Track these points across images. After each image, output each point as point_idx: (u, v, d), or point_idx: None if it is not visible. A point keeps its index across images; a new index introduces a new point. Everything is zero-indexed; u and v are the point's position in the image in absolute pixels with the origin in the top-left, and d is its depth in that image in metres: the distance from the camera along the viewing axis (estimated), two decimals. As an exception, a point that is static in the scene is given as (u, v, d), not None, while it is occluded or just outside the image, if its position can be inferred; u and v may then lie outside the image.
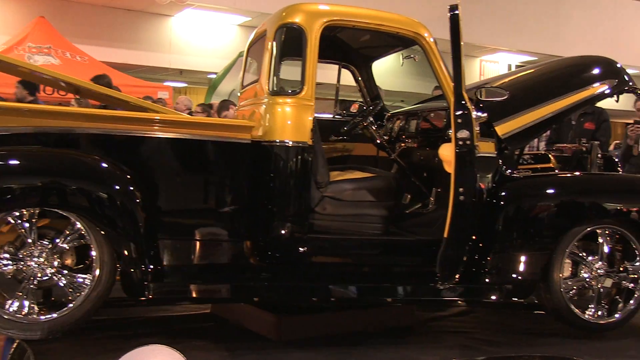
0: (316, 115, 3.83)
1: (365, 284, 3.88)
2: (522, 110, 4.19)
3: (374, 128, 4.34)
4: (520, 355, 3.83)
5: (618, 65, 4.56)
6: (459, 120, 3.71)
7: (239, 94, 4.43)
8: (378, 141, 4.35)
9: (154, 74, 13.42)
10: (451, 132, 3.78)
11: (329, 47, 4.72)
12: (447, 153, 3.79)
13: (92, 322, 3.99)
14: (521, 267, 3.96)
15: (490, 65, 14.89)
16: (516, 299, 3.99)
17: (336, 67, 5.03)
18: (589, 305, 4.09)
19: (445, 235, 3.76)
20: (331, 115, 5.06)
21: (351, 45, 4.82)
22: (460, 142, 3.71)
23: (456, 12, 3.70)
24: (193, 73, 13.76)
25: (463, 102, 3.74)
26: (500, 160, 4.08)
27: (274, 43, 3.87)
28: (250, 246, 3.78)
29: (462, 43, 3.70)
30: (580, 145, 4.87)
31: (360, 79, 5.01)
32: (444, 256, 3.78)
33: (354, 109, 5.11)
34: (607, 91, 4.42)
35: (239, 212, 3.78)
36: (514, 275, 3.95)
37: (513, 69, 14.88)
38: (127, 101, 4.41)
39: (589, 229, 4.07)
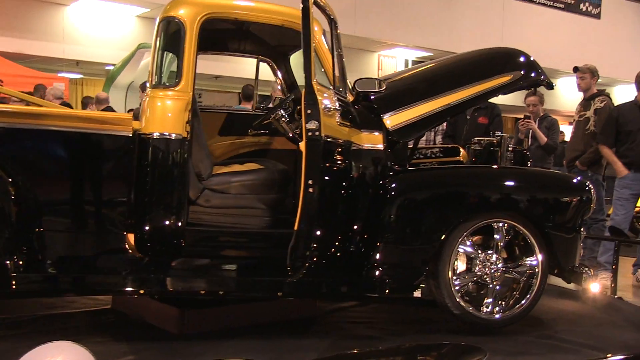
0: (235, 109, 3.85)
1: (237, 277, 3.84)
2: (415, 102, 4.18)
3: (284, 121, 4.26)
4: (422, 343, 3.89)
5: (530, 58, 4.47)
6: (309, 111, 3.57)
7: (148, 84, 4.40)
8: (290, 135, 4.26)
9: (49, 64, 12.89)
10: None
11: (246, 41, 4.75)
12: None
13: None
14: (405, 262, 3.94)
15: (388, 60, 15.23)
16: (401, 294, 3.95)
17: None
18: (485, 301, 4.02)
19: (295, 227, 3.62)
20: (251, 109, 5.09)
21: (265, 39, 4.79)
22: (309, 134, 3.56)
23: (307, 4, 3.59)
24: (90, 64, 13.32)
25: (312, 93, 3.60)
26: (388, 153, 4.06)
27: (158, 36, 3.92)
28: (132, 238, 3.74)
29: (312, 37, 3.60)
30: (494, 137, 4.73)
31: (278, 73, 4.97)
32: (293, 249, 3.63)
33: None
34: (513, 83, 4.34)
35: (121, 204, 3.74)
36: (397, 270, 3.90)
37: (410, 64, 15.29)
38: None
39: (480, 223, 3.98)
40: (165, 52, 3.98)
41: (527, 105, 7.07)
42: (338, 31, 4.04)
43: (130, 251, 3.73)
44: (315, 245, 3.67)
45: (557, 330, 4.20)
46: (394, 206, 3.94)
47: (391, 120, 4.09)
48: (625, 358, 2.84)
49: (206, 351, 3.50)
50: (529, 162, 4.89)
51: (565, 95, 16.83)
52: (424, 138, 6.64)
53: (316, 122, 3.54)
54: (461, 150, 4.90)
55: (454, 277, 3.96)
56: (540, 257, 4.06)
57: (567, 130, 12.01)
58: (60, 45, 12.03)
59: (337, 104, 3.81)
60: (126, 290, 3.75)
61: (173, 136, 3.68)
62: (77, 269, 3.67)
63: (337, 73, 4.00)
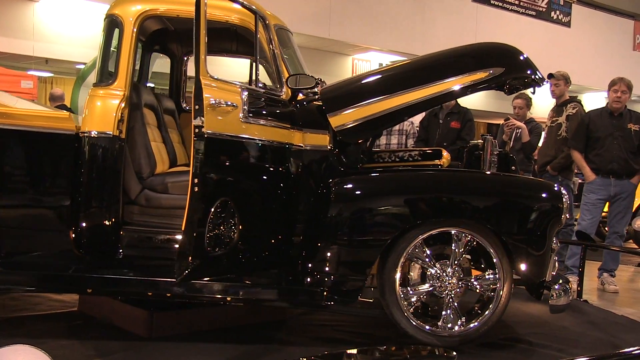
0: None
1: (141, 277, 3.68)
2: (364, 101, 3.90)
3: None
4: (391, 346, 3.84)
5: (516, 54, 4.07)
6: (196, 107, 3.42)
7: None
8: None
9: (17, 61, 12.68)
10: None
11: (238, 43, 4.71)
12: None
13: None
14: (345, 270, 3.71)
15: (362, 64, 15.24)
16: (339, 304, 3.69)
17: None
18: (443, 315, 3.75)
19: (183, 228, 3.43)
20: None
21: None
22: (196, 130, 3.42)
23: None
24: (60, 62, 13.12)
25: (199, 88, 3.45)
26: (336, 153, 3.90)
27: (102, 34, 3.95)
28: (72, 237, 3.74)
29: (203, 30, 3.45)
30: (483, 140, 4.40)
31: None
32: (179, 250, 3.46)
33: None
34: (491, 80, 3.90)
35: (64, 202, 3.75)
36: (336, 278, 3.69)
37: (384, 68, 15.29)
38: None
39: (431, 231, 3.74)
40: (109, 51, 3.97)
41: (513, 107, 7.14)
42: (267, 22, 3.89)
43: (72, 250, 3.74)
44: (204, 247, 3.45)
45: (524, 333, 4.24)
46: (335, 209, 3.76)
47: (337, 119, 3.87)
48: (590, 359, 2.86)
49: (175, 354, 3.46)
50: (513, 167, 4.62)
51: (537, 102, 17.05)
52: (396, 142, 6.65)
53: (202, 119, 3.42)
54: (444, 153, 4.60)
55: (409, 289, 3.76)
56: (501, 270, 3.77)
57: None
58: (29, 43, 11.83)
59: (245, 100, 3.61)
60: (68, 288, 3.82)
61: (104, 135, 3.70)
62: (22, 265, 3.67)
63: (272, 70, 3.92)
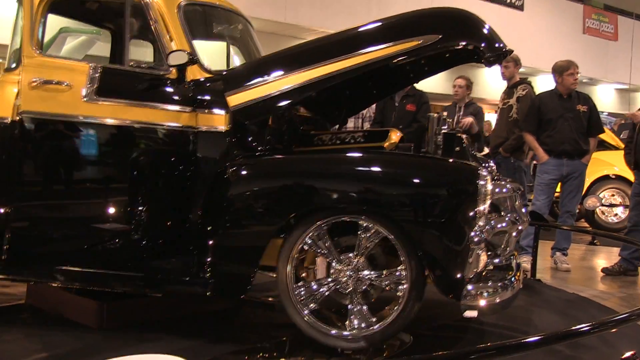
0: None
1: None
2: (265, 78, 3.62)
3: None
4: None
5: (463, 19, 3.75)
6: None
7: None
8: None
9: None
10: None
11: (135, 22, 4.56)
12: None
13: None
14: (233, 261, 3.45)
15: (319, 48, 15.26)
16: (225, 297, 3.54)
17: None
18: (348, 313, 3.33)
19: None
20: None
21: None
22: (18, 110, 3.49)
23: None
24: (4, 48, 12.77)
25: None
26: (233, 135, 3.58)
27: (15, 16, 3.86)
28: None
29: (27, 5, 3.45)
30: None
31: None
32: None
33: None
34: (423, 49, 3.52)
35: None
36: (223, 269, 3.42)
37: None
38: None
39: (325, 221, 3.32)
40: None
41: (453, 86, 7.15)
42: None
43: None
44: (19, 231, 3.55)
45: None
46: (226, 196, 3.46)
47: (233, 99, 3.57)
48: (541, 338, 2.88)
49: (124, 346, 3.38)
50: (458, 148, 3.88)
51: (491, 84, 17.20)
52: (352, 125, 6.63)
53: (21, 98, 3.42)
54: (394, 135, 4.05)
55: (309, 284, 3.40)
56: (407, 264, 3.23)
57: (493, 119, 12.26)
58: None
59: (93, 78, 3.50)
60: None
61: (7, 120, 3.61)
62: None
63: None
